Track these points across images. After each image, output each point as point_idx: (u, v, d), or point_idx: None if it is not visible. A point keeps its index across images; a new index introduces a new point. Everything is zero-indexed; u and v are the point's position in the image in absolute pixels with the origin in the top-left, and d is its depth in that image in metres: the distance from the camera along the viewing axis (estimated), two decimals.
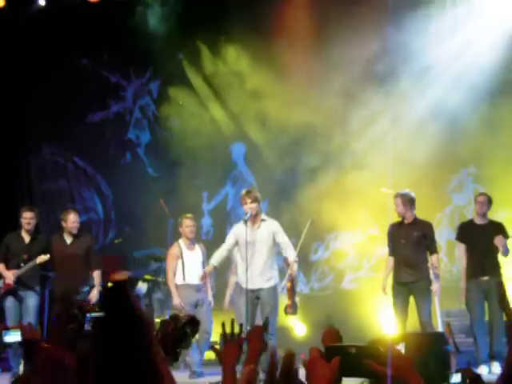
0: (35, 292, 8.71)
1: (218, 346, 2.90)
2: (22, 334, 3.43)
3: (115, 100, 12.03)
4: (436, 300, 7.98)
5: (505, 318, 8.04)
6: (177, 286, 8.45)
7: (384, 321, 9.31)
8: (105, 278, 8.72)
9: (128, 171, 11.62)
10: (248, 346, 2.85)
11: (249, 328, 7.31)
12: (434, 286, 7.95)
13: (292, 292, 7.85)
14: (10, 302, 8.60)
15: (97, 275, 8.71)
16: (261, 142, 11.31)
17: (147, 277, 10.22)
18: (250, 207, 7.87)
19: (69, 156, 11.98)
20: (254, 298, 7.85)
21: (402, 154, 9.88)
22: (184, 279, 8.45)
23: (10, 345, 3.61)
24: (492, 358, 7.99)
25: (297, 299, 8.02)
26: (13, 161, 11.58)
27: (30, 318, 8.43)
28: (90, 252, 8.78)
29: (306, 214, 9.36)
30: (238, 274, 8.10)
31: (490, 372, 7.87)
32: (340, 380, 2.45)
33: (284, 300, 8.14)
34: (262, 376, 4.22)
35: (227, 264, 8.95)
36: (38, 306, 8.77)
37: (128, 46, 10.97)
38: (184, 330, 3.26)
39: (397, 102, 10.18)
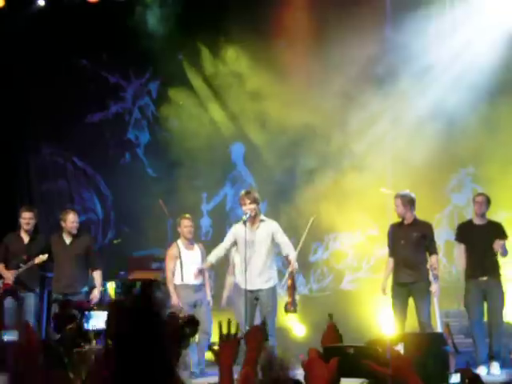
0: (34, 292, 8.73)
1: (216, 347, 2.89)
2: (19, 334, 3.44)
3: (114, 100, 12.03)
4: (435, 301, 7.98)
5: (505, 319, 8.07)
6: (175, 287, 8.46)
7: (383, 321, 9.31)
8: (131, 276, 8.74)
9: (127, 172, 11.62)
10: (246, 346, 2.85)
11: (247, 328, 7.33)
12: (433, 287, 7.95)
13: (292, 289, 7.83)
14: (9, 303, 8.60)
15: (97, 275, 8.71)
16: (260, 143, 11.31)
17: None
18: (249, 208, 7.87)
19: (68, 156, 11.98)
20: (253, 298, 7.86)
21: (401, 154, 9.89)
22: (182, 279, 8.45)
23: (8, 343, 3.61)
24: (491, 358, 7.99)
25: (297, 297, 8.02)
26: (12, 161, 11.58)
27: (29, 318, 8.44)
28: (89, 252, 8.79)
29: (305, 214, 9.36)
30: (237, 274, 8.10)
31: (488, 373, 7.88)
32: (338, 380, 2.45)
33: (284, 299, 8.13)
34: (260, 376, 4.21)
35: (226, 266, 8.96)
36: (37, 306, 8.78)
37: (127, 47, 10.97)
38: (183, 330, 3.27)
39: (396, 102, 10.18)
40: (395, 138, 10.20)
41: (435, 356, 5.29)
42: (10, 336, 3.50)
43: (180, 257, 8.52)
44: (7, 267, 8.69)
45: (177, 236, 8.79)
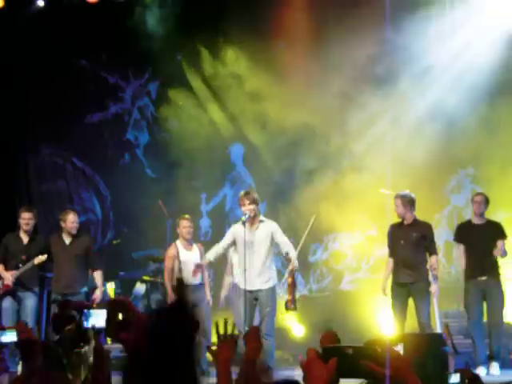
0: (34, 293, 8.72)
1: (214, 347, 2.88)
2: (18, 335, 3.44)
3: (114, 101, 12.02)
4: (435, 301, 7.97)
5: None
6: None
7: (383, 322, 9.31)
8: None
9: (126, 172, 11.62)
10: (245, 347, 2.85)
11: (247, 329, 7.32)
12: (433, 287, 7.94)
13: (293, 287, 7.81)
14: (7, 303, 8.60)
15: (98, 275, 8.71)
16: (259, 144, 11.32)
17: (146, 278, 10.22)
18: (248, 209, 7.87)
19: (67, 157, 11.98)
20: (253, 299, 7.85)
21: (400, 154, 9.89)
22: None
23: (6, 345, 3.61)
24: (491, 358, 7.99)
25: (297, 294, 8.00)
26: (11, 161, 11.57)
27: (29, 318, 8.43)
28: (89, 252, 8.78)
29: (304, 215, 9.36)
30: (236, 275, 8.09)
31: (487, 373, 7.87)
32: (337, 381, 2.45)
33: (284, 298, 8.12)
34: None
35: (224, 266, 8.96)
36: (37, 306, 8.77)
37: (127, 47, 10.97)
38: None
39: (396, 103, 10.18)
40: (395, 138, 10.20)
41: (434, 356, 5.28)
42: (7, 336, 3.49)
43: (178, 257, 8.52)
44: (6, 268, 8.69)
45: (176, 237, 8.79)
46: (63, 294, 8.46)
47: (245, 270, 7.71)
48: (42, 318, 9.22)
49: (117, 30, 10.87)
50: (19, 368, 7.74)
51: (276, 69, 10.64)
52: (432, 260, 8.04)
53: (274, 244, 7.97)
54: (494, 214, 8.75)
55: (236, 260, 8.14)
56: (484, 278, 8.09)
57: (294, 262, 7.84)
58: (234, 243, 8.03)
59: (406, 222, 8.20)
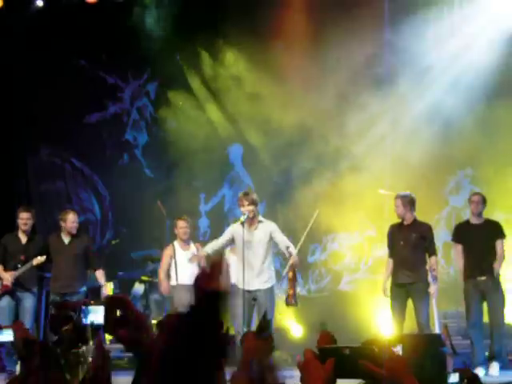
0: (32, 293, 8.71)
1: None
2: (14, 334, 3.44)
3: (113, 101, 12.03)
4: (433, 302, 7.97)
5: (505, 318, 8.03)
6: (171, 288, 8.53)
7: (381, 322, 9.31)
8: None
9: (125, 172, 11.62)
10: (242, 349, 2.84)
11: (245, 329, 7.32)
12: (432, 288, 7.93)
13: (293, 282, 7.78)
14: (4, 302, 8.60)
15: (100, 274, 8.73)
16: (258, 144, 11.32)
17: (144, 278, 10.22)
18: (247, 209, 7.86)
19: (66, 157, 11.98)
20: (251, 299, 7.84)
21: (399, 155, 9.90)
22: (177, 280, 8.48)
23: (2, 344, 3.62)
24: (491, 358, 7.97)
25: (298, 289, 7.97)
26: (11, 162, 11.57)
27: (27, 318, 8.43)
28: (88, 252, 8.79)
29: (303, 215, 9.36)
30: (235, 275, 8.09)
31: (486, 374, 7.85)
32: (335, 381, 2.44)
33: (282, 297, 8.11)
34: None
35: None
36: (35, 306, 8.77)
37: (126, 48, 10.97)
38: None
39: (394, 104, 10.20)
40: (393, 139, 10.22)
41: (432, 357, 5.28)
42: (4, 336, 3.49)
43: (175, 257, 8.55)
44: (5, 268, 8.69)
45: (175, 237, 8.81)
46: (62, 294, 8.47)
47: (243, 270, 7.71)
48: (40, 318, 9.22)
49: (116, 30, 10.88)
50: (18, 368, 7.78)
51: (275, 70, 10.65)
52: (431, 261, 8.03)
53: (272, 244, 7.97)
54: (492, 215, 8.73)
55: (233, 260, 8.14)
56: (483, 278, 8.08)
57: (295, 257, 7.80)
58: (232, 241, 8.03)
59: (405, 223, 8.19)
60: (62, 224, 8.73)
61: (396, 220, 8.32)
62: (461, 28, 10.05)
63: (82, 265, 8.73)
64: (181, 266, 8.51)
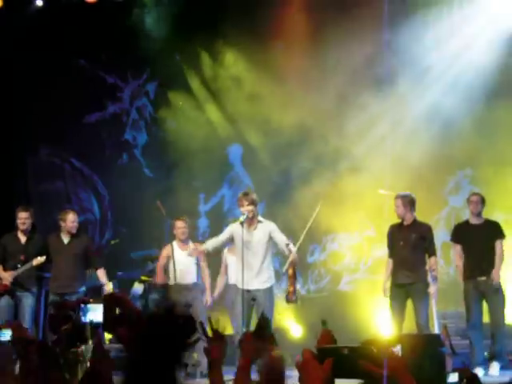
0: (31, 293, 8.72)
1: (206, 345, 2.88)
2: (12, 334, 3.44)
3: (112, 101, 12.03)
4: (433, 302, 7.97)
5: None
6: (170, 287, 8.54)
7: (381, 323, 9.31)
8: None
9: (125, 172, 11.62)
10: (240, 351, 2.84)
11: (244, 330, 7.32)
12: (431, 289, 7.93)
13: (294, 279, 7.77)
14: (3, 302, 8.60)
15: (101, 273, 8.74)
16: (258, 145, 11.32)
17: (143, 278, 10.20)
18: (246, 209, 7.87)
19: (65, 157, 11.98)
20: (250, 299, 7.84)
21: (398, 156, 9.89)
22: (175, 279, 8.49)
23: (1, 343, 3.62)
24: (492, 358, 7.97)
25: (298, 286, 7.96)
26: (10, 161, 11.57)
27: (26, 318, 8.44)
28: (88, 252, 8.80)
29: (302, 215, 9.35)
30: (234, 275, 8.09)
31: (486, 374, 7.85)
32: (333, 381, 2.44)
33: (280, 297, 8.10)
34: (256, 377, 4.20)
35: (218, 266, 8.97)
36: (35, 306, 8.77)
37: (125, 47, 10.97)
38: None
39: (394, 105, 10.19)
40: (393, 140, 10.21)
41: (431, 357, 5.29)
42: (2, 335, 3.49)
43: (173, 256, 8.55)
44: (5, 268, 8.68)
45: (174, 237, 8.82)
46: (61, 294, 8.47)
47: (243, 270, 7.71)
48: (39, 318, 9.22)
49: (115, 30, 10.88)
50: (17, 368, 7.78)
51: (275, 70, 10.64)
52: (431, 261, 8.03)
53: (272, 244, 7.97)
54: (491, 216, 8.73)
55: (232, 260, 8.14)
56: (483, 278, 8.08)
57: (295, 254, 7.79)
58: (231, 240, 8.03)
59: (405, 223, 8.19)
60: (62, 224, 8.74)
61: (396, 220, 8.32)
62: (460, 28, 10.05)
63: (82, 265, 8.74)
64: (179, 266, 8.52)
